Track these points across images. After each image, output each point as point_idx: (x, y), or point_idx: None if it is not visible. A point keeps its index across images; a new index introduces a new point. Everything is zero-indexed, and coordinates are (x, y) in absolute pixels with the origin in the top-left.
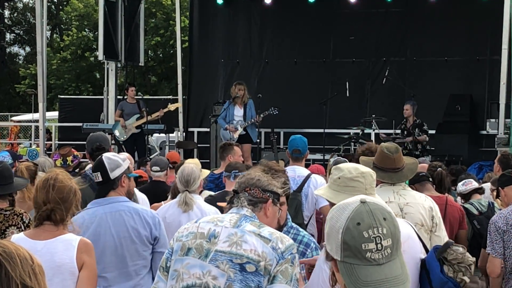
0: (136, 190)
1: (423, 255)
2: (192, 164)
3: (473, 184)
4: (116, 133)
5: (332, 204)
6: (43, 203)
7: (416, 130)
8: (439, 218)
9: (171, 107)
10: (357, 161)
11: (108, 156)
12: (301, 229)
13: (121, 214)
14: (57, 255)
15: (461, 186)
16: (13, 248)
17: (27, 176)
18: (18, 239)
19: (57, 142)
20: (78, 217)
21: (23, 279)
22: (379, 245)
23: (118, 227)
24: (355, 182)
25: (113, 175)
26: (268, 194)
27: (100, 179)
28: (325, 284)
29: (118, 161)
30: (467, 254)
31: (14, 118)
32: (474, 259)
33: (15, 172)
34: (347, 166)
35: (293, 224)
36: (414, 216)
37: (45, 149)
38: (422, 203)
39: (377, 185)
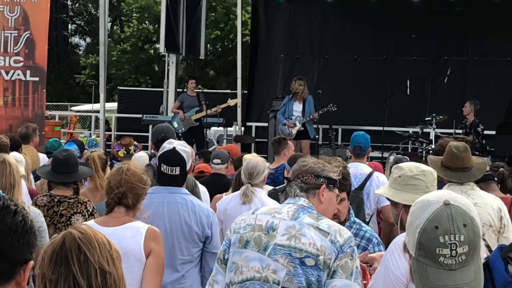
0: (197, 182)
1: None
2: (258, 158)
3: None
4: (175, 124)
5: (393, 203)
6: (116, 186)
7: (472, 130)
8: (508, 219)
9: (231, 102)
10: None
11: (182, 149)
12: (363, 224)
13: (178, 206)
14: (125, 242)
15: None
16: (92, 233)
17: (100, 164)
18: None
19: (116, 133)
20: None
21: (101, 264)
22: (453, 252)
23: (172, 218)
24: (416, 180)
25: (188, 167)
26: (321, 180)
27: (178, 172)
28: (392, 284)
29: (189, 152)
30: None
31: (73, 108)
32: None
33: (86, 160)
34: (408, 165)
35: (356, 219)
36: (483, 217)
37: (105, 139)
38: (491, 203)
39: (445, 184)
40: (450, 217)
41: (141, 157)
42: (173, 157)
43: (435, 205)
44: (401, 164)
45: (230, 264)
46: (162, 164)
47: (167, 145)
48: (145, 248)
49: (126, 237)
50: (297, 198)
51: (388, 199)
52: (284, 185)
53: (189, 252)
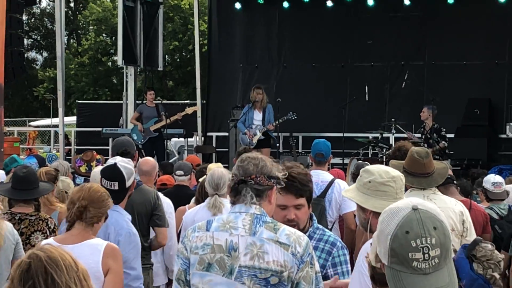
0: (160, 195)
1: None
2: (222, 168)
3: (503, 187)
4: (134, 136)
5: (361, 208)
6: (78, 200)
7: (434, 135)
8: (470, 223)
9: (189, 110)
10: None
11: (123, 165)
12: (326, 230)
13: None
14: (83, 259)
15: (491, 186)
16: (58, 255)
17: (47, 180)
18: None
19: (76, 147)
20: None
21: (69, 286)
22: (426, 255)
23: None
24: (386, 187)
25: (128, 183)
26: (273, 181)
27: (117, 188)
28: None
29: (131, 168)
30: (496, 251)
31: (32, 123)
32: (503, 256)
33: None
34: (378, 170)
35: (318, 225)
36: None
37: (65, 154)
38: (453, 207)
39: (407, 189)
40: (420, 221)
41: (97, 173)
42: (113, 172)
43: (404, 211)
44: (370, 168)
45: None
46: (102, 179)
47: (111, 160)
48: (103, 266)
49: (84, 255)
50: (248, 206)
51: (357, 204)
52: (236, 182)
53: None
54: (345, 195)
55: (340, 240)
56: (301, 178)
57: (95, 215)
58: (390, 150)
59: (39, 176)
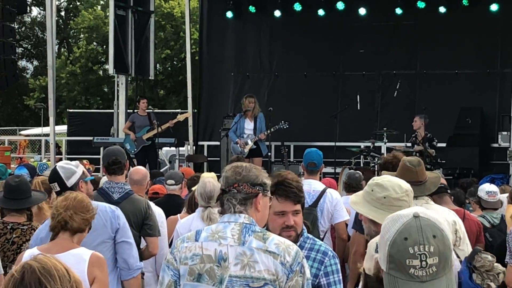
0: (152, 204)
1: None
2: (213, 180)
3: (497, 196)
4: (127, 146)
5: (373, 222)
6: (63, 209)
7: (426, 144)
8: (463, 233)
9: (181, 117)
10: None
11: (61, 166)
12: (317, 239)
13: None
14: None
15: (485, 195)
16: (51, 264)
17: (43, 190)
18: (31, 254)
19: (66, 156)
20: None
21: None
22: (423, 263)
23: None
24: (401, 202)
25: (69, 183)
26: (257, 188)
27: (58, 188)
28: None
29: (72, 168)
30: (497, 263)
31: (23, 132)
32: (504, 268)
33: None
34: (391, 184)
35: (309, 235)
36: None
37: (56, 163)
38: (446, 217)
39: None
40: (419, 228)
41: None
42: (52, 174)
43: (405, 218)
44: (383, 183)
45: None
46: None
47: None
48: (88, 275)
49: (69, 265)
50: (237, 215)
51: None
52: (220, 194)
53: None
54: (356, 209)
55: (332, 249)
56: (298, 185)
57: (80, 225)
58: (381, 160)
59: (35, 186)
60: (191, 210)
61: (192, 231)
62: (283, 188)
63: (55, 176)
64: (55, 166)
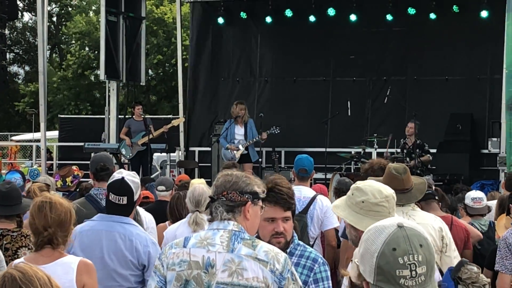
0: (142, 210)
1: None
2: (203, 185)
3: (483, 202)
4: (123, 151)
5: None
6: (43, 228)
7: (418, 150)
8: (450, 239)
9: (175, 122)
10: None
11: (131, 179)
12: (307, 246)
13: (115, 235)
14: (57, 279)
15: (471, 201)
16: (33, 273)
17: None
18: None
19: (58, 161)
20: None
21: None
22: (413, 272)
23: (109, 246)
24: (380, 207)
25: (135, 197)
26: (247, 196)
27: (125, 202)
28: None
29: (138, 183)
30: (481, 275)
31: (14, 138)
32: (489, 280)
33: (27, 193)
34: (371, 189)
35: (299, 241)
36: None
37: (46, 168)
38: (432, 223)
39: None
40: (407, 238)
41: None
42: (121, 186)
43: (390, 229)
44: (363, 187)
45: None
46: (110, 193)
47: (117, 174)
48: (77, 283)
49: (57, 275)
50: (226, 222)
51: (350, 224)
52: (209, 202)
53: (126, 279)
54: (336, 212)
55: (321, 256)
56: (289, 191)
57: (64, 238)
58: (363, 167)
59: (32, 192)
60: (174, 218)
61: (179, 236)
62: (273, 194)
63: (127, 190)
64: (123, 178)
